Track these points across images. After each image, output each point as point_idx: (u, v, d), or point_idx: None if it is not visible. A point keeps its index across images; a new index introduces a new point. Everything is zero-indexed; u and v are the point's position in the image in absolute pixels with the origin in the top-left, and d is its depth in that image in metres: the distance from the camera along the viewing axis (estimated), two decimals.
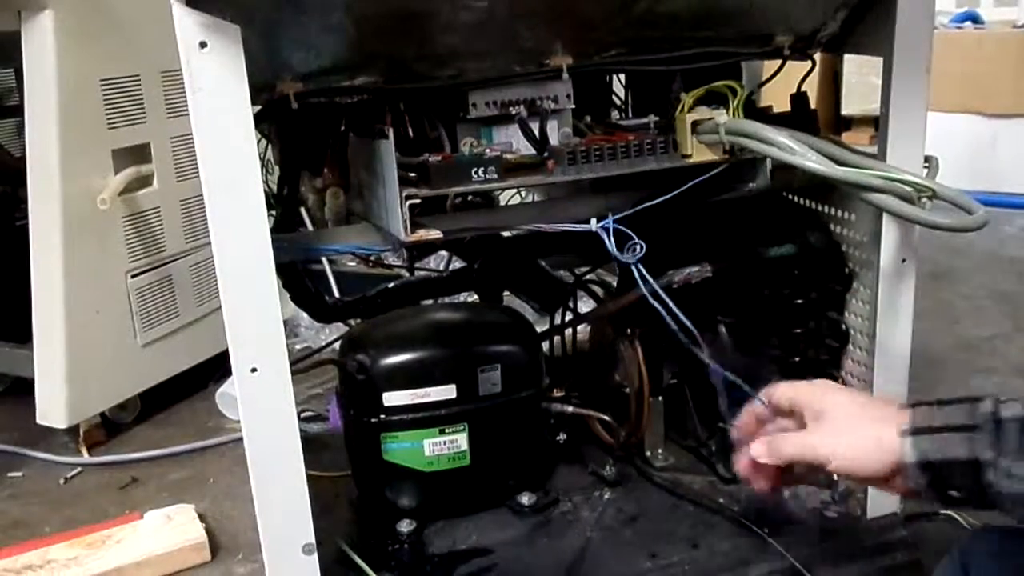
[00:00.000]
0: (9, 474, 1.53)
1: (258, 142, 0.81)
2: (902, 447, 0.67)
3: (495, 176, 0.91)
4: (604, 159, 0.94)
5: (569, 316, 1.33)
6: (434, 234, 0.90)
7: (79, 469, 1.52)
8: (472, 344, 1.10)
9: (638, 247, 0.93)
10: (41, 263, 1.48)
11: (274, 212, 1.01)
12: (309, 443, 0.88)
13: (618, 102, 1.23)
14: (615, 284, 1.32)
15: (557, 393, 1.17)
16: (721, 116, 0.94)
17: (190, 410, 1.71)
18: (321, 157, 1.05)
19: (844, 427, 0.72)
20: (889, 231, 1.00)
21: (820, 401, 0.75)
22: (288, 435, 0.86)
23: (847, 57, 1.08)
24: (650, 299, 0.97)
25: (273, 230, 0.84)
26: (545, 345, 1.26)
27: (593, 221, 0.95)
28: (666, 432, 1.21)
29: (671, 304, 0.95)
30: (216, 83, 0.76)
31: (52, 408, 1.52)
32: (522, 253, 1.27)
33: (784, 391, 0.79)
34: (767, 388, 0.81)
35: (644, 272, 0.96)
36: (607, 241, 0.94)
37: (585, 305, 1.35)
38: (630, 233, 0.95)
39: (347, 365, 1.08)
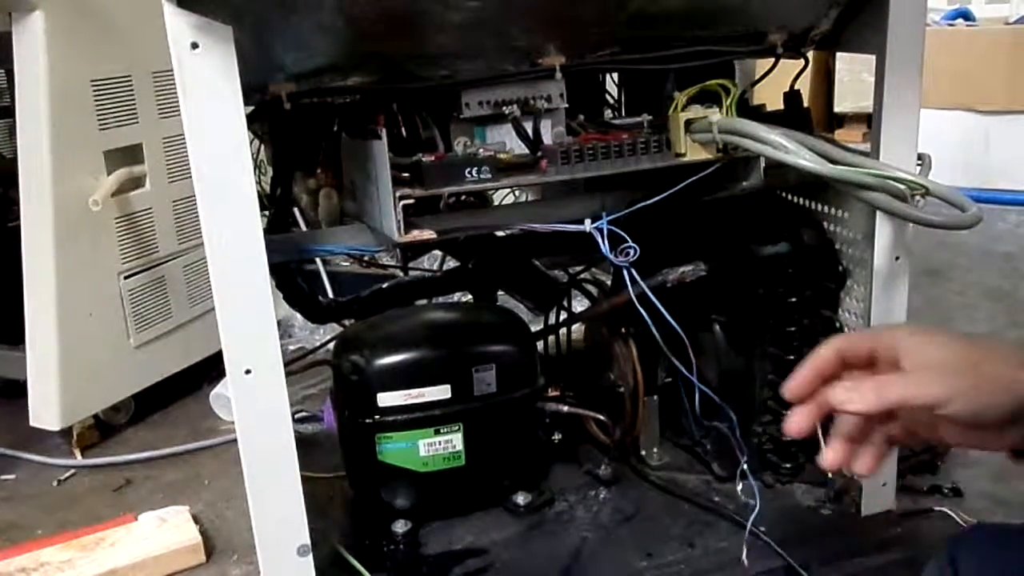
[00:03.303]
0: (2, 476, 1.52)
1: (251, 142, 0.81)
2: None
3: (489, 176, 0.91)
4: (598, 158, 0.94)
5: (563, 315, 1.33)
6: (428, 234, 0.90)
7: (72, 471, 1.52)
8: (467, 344, 1.10)
9: (631, 250, 0.94)
10: (33, 265, 1.47)
11: (267, 213, 1.00)
12: (303, 444, 0.88)
13: (611, 101, 1.23)
14: (609, 283, 1.32)
15: (552, 393, 1.17)
16: (714, 115, 0.94)
17: (184, 411, 1.71)
18: (314, 157, 1.05)
19: (965, 365, 0.60)
20: (882, 229, 1.00)
21: (929, 342, 0.62)
22: (282, 436, 0.86)
23: (840, 54, 1.08)
24: (636, 304, 0.97)
25: (266, 231, 0.84)
26: (540, 345, 1.26)
27: (587, 222, 0.95)
28: (661, 431, 1.21)
29: (661, 308, 0.95)
30: (208, 84, 0.76)
31: (45, 410, 1.51)
32: (516, 253, 1.27)
33: (860, 337, 0.66)
34: (830, 340, 0.66)
35: (636, 275, 0.96)
36: (601, 243, 0.94)
37: (579, 304, 1.35)
38: (624, 235, 0.95)
39: (341, 366, 1.08)
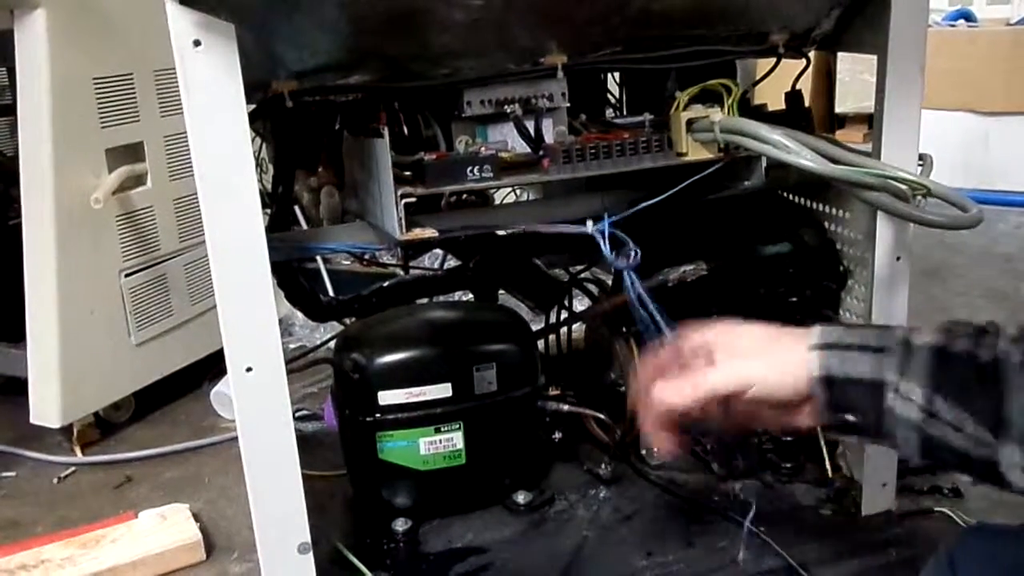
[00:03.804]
0: (2, 474, 1.52)
1: (253, 140, 0.81)
2: (810, 362, 0.67)
3: (490, 175, 0.91)
4: (599, 157, 0.94)
5: (564, 315, 1.33)
6: (429, 233, 0.90)
7: (73, 469, 1.52)
8: (467, 343, 1.10)
9: (632, 253, 0.93)
10: (34, 262, 1.47)
11: (269, 211, 1.00)
12: (304, 442, 0.88)
13: (613, 100, 1.23)
14: (610, 283, 1.32)
15: (553, 392, 1.17)
16: (716, 114, 0.94)
17: (184, 409, 1.71)
18: (316, 155, 1.05)
19: (762, 351, 0.70)
20: (884, 229, 1.00)
21: (734, 334, 0.72)
22: (283, 434, 0.86)
23: (841, 55, 1.08)
24: (637, 307, 0.97)
25: (268, 229, 0.84)
26: (540, 344, 1.26)
27: (589, 223, 0.95)
28: None
29: (655, 314, 0.95)
30: (210, 82, 0.76)
31: (46, 407, 1.51)
32: (517, 252, 1.27)
33: (694, 334, 0.75)
34: (675, 334, 0.77)
35: (635, 279, 0.96)
36: (603, 245, 0.94)
37: (580, 304, 1.35)
38: (625, 238, 0.94)
39: (342, 364, 1.08)
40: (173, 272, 1.69)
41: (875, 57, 0.97)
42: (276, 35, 0.84)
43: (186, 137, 0.77)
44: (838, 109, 3.19)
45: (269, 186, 1.05)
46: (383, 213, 0.91)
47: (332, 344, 1.22)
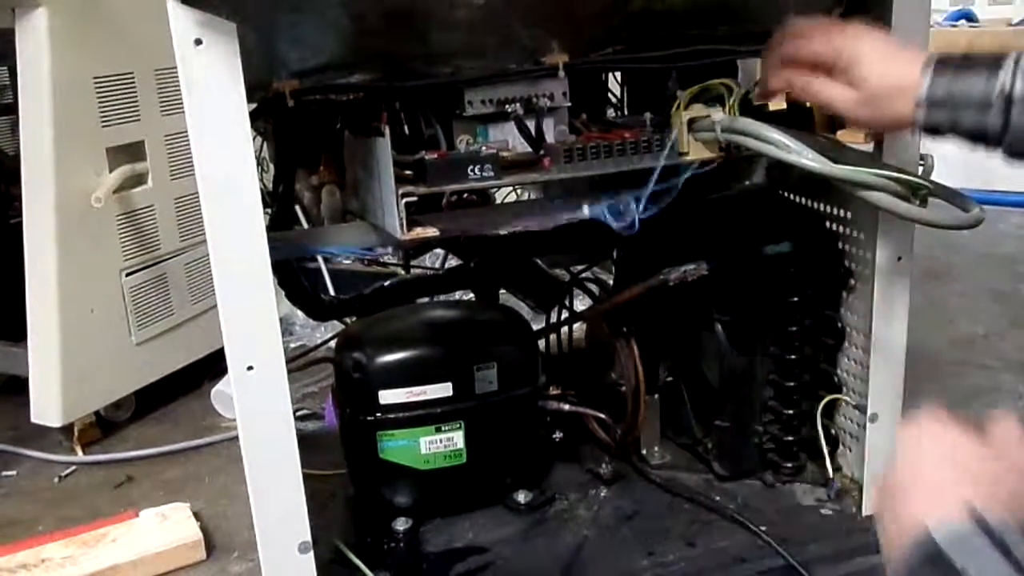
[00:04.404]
0: (3, 473, 1.52)
1: (253, 139, 0.81)
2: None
3: (492, 174, 0.91)
4: (600, 157, 0.94)
5: (565, 314, 1.33)
6: (430, 232, 0.90)
7: (73, 468, 1.52)
8: (468, 342, 1.10)
9: (631, 210, 0.93)
10: (35, 261, 1.47)
11: (269, 210, 1.00)
12: (305, 441, 0.88)
13: (614, 100, 1.23)
14: (611, 282, 1.32)
15: (553, 391, 1.17)
16: (717, 114, 0.94)
17: (185, 408, 1.71)
18: (317, 155, 1.05)
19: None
20: (885, 229, 1.00)
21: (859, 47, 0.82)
22: (284, 433, 0.86)
23: None
24: None
25: (269, 228, 0.84)
26: (541, 343, 1.26)
27: (585, 208, 0.94)
28: (662, 430, 1.21)
29: None
30: (212, 80, 0.76)
31: (47, 406, 1.51)
32: (518, 251, 1.27)
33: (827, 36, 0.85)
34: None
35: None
36: (607, 219, 0.93)
37: (581, 303, 1.35)
38: (619, 205, 0.94)
39: (343, 363, 1.08)
40: (174, 271, 1.69)
41: None
42: (277, 34, 0.84)
43: (187, 136, 0.77)
44: None
45: (270, 185, 1.05)
46: (384, 212, 0.91)
47: (333, 343, 1.22)
